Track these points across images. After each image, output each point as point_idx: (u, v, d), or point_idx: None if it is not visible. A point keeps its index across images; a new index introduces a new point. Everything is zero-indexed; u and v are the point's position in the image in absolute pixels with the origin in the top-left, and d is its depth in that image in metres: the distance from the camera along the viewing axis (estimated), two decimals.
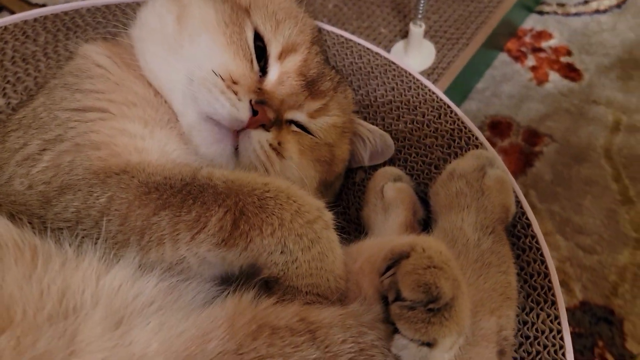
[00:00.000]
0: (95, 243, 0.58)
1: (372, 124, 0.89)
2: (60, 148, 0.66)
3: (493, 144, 1.18)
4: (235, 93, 0.68)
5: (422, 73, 1.10)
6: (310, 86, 0.75)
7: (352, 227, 0.86)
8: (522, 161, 1.15)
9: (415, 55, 1.09)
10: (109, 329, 0.52)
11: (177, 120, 0.72)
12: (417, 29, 1.04)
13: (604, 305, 0.96)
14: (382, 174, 0.81)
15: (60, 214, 0.61)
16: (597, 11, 1.42)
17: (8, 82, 0.95)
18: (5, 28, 0.97)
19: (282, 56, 0.73)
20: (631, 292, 0.97)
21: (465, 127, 0.82)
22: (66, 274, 0.54)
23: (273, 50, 0.72)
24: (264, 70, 0.73)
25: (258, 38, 0.73)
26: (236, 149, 0.70)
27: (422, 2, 1.00)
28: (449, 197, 0.72)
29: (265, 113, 0.68)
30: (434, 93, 0.86)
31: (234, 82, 0.69)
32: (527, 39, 1.36)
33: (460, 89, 1.16)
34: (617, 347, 0.91)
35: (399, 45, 1.13)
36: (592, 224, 1.06)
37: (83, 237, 0.59)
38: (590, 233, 1.04)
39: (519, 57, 1.33)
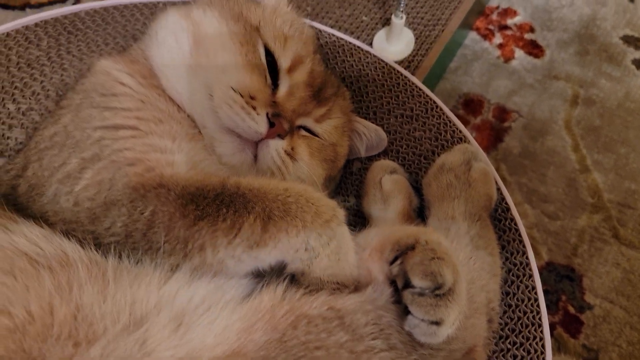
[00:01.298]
0: (148, 254, 0.67)
1: (365, 118, 0.98)
2: (99, 166, 0.74)
3: (467, 122, 1.30)
4: (254, 108, 0.76)
5: (404, 60, 1.19)
6: (317, 94, 0.84)
7: (351, 212, 0.97)
8: (493, 137, 1.28)
9: (396, 44, 1.17)
10: (173, 330, 0.62)
11: (200, 133, 0.80)
12: (398, 21, 1.12)
13: (566, 264, 1.11)
14: (379, 167, 0.91)
15: (110, 228, 0.69)
16: None
17: (16, 87, 0.99)
18: (8, 34, 1.00)
19: (290, 69, 0.81)
20: (588, 252, 1.13)
21: (450, 122, 0.92)
22: (133, 287, 0.63)
23: (283, 65, 0.80)
24: (275, 83, 0.81)
25: (268, 52, 0.80)
26: (255, 156, 0.79)
27: None
28: (441, 189, 0.83)
29: (281, 124, 0.77)
30: (420, 89, 0.96)
31: (252, 98, 0.77)
32: (494, 17, 1.46)
33: (436, 71, 1.26)
34: (577, 300, 1.07)
35: (381, 34, 1.20)
36: (555, 193, 1.20)
37: (135, 249, 0.68)
38: (554, 201, 1.19)
39: (487, 35, 1.43)
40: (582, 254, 1.13)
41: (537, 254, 1.12)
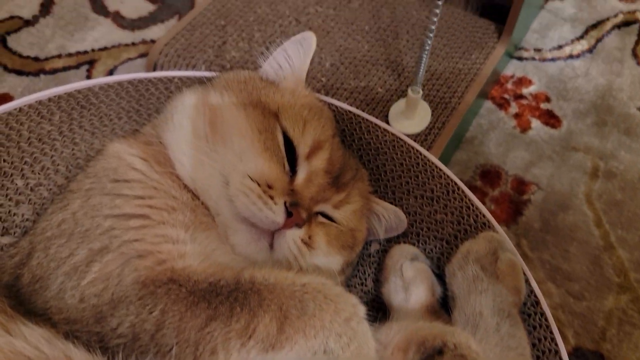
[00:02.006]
0: (157, 358, 0.63)
1: (384, 197, 0.95)
2: (107, 258, 0.70)
3: (485, 194, 1.26)
4: (272, 197, 0.73)
5: (421, 134, 1.17)
6: (336, 180, 0.81)
7: (369, 297, 0.93)
8: (512, 210, 1.24)
9: (413, 117, 1.16)
10: None
11: (213, 221, 0.77)
12: (415, 95, 1.11)
13: (595, 350, 1.05)
14: (399, 253, 0.87)
15: (116, 329, 0.65)
16: (571, 56, 1.51)
17: (25, 162, 0.97)
18: (20, 109, 0.99)
19: (309, 155, 0.78)
20: (617, 337, 1.07)
21: (473, 205, 0.89)
22: None
23: (301, 151, 0.78)
24: (293, 169, 0.78)
25: (287, 138, 0.78)
26: (271, 245, 0.76)
27: (421, 70, 1.07)
28: (467, 281, 0.79)
29: (299, 214, 0.74)
30: (441, 170, 0.93)
31: (269, 186, 0.74)
32: (509, 86, 1.45)
33: (453, 142, 1.24)
34: None
35: (397, 106, 1.19)
36: (579, 270, 1.15)
37: (144, 353, 0.63)
38: (578, 279, 1.14)
39: (502, 105, 1.41)
40: (611, 338, 1.07)
41: (563, 337, 1.06)
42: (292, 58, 0.88)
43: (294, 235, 0.75)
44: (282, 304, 0.66)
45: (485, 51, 1.33)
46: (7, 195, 0.94)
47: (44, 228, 0.77)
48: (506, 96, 1.43)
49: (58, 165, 0.99)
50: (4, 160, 0.96)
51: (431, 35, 1.02)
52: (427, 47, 1.05)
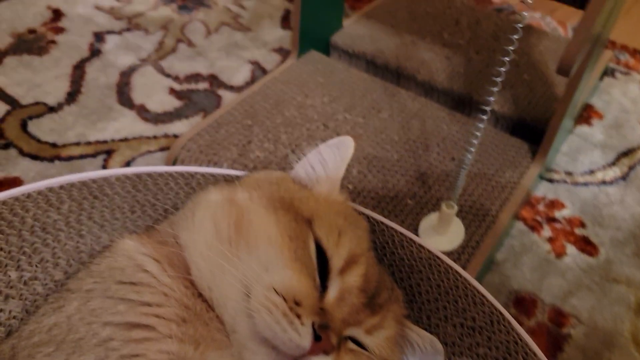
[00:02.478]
0: None
1: (417, 322, 0.84)
2: None
3: (520, 323, 1.14)
4: (298, 316, 0.63)
5: (453, 252, 1.08)
6: (370, 301, 0.71)
7: None
8: (551, 344, 1.11)
9: (445, 234, 1.08)
10: None
11: (228, 339, 0.66)
12: (449, 211, 1.03)
13: None
14: None
15: None
16: (604, 182, 1.46)
17: (24, 253, 0.87)
18: (29, 195, 0.92)
19: (343, 270, 0.69)
20: None
21: (522, 340, 0.78)
22: None
23: (335, 265, 0.69)
24: (323, 284, 0.68)
25: (319, 249, 0.69)
26: None
27: (458, 185, 1.00)
28: None
29: (329, 339, 0.63)
30: (483, 296, 0.83)
31: (297, 303, 0.64)
32: (541, 208, 1.38)
33: (485, 265, 1.14)
34: None
35: (429, 220, 1.11)
36: None
37: None
38: None
39: (535, 227, 1.33)
40: None
41: None
42: (327, 162, 0.82)
43: None
44: None
45: (519, 170, 1.28)
46: None
47: (31, 331, 0.67)
48: (538, 218, 1.35)
49: (59, 258, 0.90)
50: (1, 249, 0.87)
51: (470, 154, 0.97)
52: (466, 166, 1.00)
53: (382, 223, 0.93)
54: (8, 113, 1.51)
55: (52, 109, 1.53)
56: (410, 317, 0.84)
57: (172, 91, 1.64)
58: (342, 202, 0.79)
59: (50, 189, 0.94)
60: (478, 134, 0.98)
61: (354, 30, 1.67)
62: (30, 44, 1.76)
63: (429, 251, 0.89)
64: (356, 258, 0.71)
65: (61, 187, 0.95)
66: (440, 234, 1.08)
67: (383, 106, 1.40)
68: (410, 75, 1.52)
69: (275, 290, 0.64)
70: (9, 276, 0.86)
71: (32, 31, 1.81)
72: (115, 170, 0.98)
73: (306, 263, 0.67)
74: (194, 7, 2.02)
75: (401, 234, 0.91)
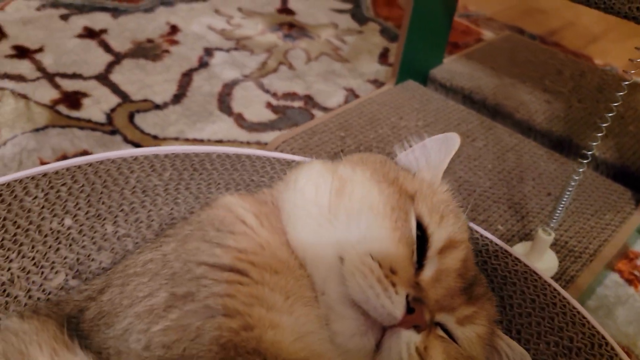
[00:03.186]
0: None
1: (507, 335, 0.79)
2: (189, 307, 0.58)
3: None
4: (393, 285, 0.60)
5: None
6: (467, 290, 0.67)
7: None
8: None
9: (538, 263, 1.02)
10: None
11: (316, 300, 0.64)
12: (546, 237, 0.98)
13: None
14: None
15: None
16: None
17: (122, 210, 0.91)
18: (136, 158, 0.97)
19: (442, 251, 0.67)
20: None
21: None
22: None
23: (435, 243, 0.66)
24: (420, 262, 0.66)
25: (419, 227, 0.67)
26: (377, 345, 0.61)
27: (559, 210, 0.95)
28: None
29: (422, 313, 0.60)
30: (584, 317, 0.77)
31: (392, 271, 0.62)
32: (639, 263, 1.28)
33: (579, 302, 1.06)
34: None
35: (520, 248, 1.06)
36: None
37: None
38: None
39: (631, 281, 1.24)
40: None
41: None
42: (430, 154, 0.81)
43: (409, 339, 0.60)
44: None
45: (620, 215, 1.20)
46: (92, 238, 0.87)
47: (127, 265, 0.68)
48: (636, 273, 1.25)
49: (152, 220, 0.93)
50: (103, 203, 0.91)
51: (570, 189, 0.93)
52: (566, 197, 0.95)
53: (476, 231, 0.89)
54: (119, 105, 1.62)
55: (157, 107, 1.63)
56: (500, 328, 0.79)
57: (269, 105, 1.70)
58: (445, 192, 0.77)
59: (156, 156, 0.99)
60: (580, 169, 0.94)
61: (453, 67, 1.68)
62: (147, 51, 1.90)
63: (526, 265, 0.84)
64: (456, 243, 0.68)
65: (166, 155, 0.99)
66: (533, 262, 1.02)
67: (478, 136, 1.38)
68: (507, 113, 1.50)
69: (371, 256, 0.62)
70: (105, 229, 0.89)
71: (150, 41, 1.97)
72: (217, 148, 1.02)
73: (405, 235, 0.65)
74: (298, 37, 2.12)
75: (496, 244, 0.87)
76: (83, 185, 0.92)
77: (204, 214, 0.73)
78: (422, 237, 0.67)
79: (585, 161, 0.94)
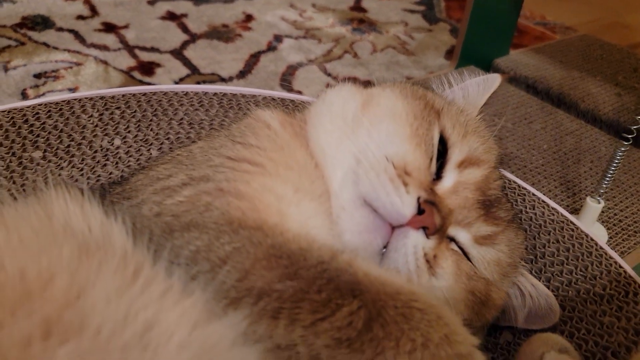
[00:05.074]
0: (207, 288, 0.49)
1: None
2: (203, 187, 0.61)
3: None
4: (405, 185, 0.60)
5: None
6: (486, 207, 0.65)
7: None
8: None
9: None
10: None
11: (328, 200, 0.64)
12: (595, 205, 0.92)
13: None
14: (543, 340, 0.64)
15: (180, 247, 0.53)
16: None
17: (168, 138, 0.96)
18: (187, 93, 1.02)
19: (462, 165, 0.65)
20: None
21: None
22: (162, 306, 0.44)
23: (455, 156, 0.65)
24: (439, 174, 0.65)
25: (441, 141, 0.66)
26: (384, 247, 0.60)
27: (608, 176, 0.90)
28: None
29: (432, 215, 0.59)
30: (621, 267, 0.71)
31: (406, 174, 0.61)
32: None
33: None
34: None
35: None
36: None
37: (193, 279, 0.50)
38: None
39: None
40: None
41: None
42: (469, 90, 0.80)
43: (417, 241, 0.59)
44: (380, 299, 0.50)
45: None
46: (137, 160, 0.92)
47: (157, 158, 0.72)
48: None
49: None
50: (151, 130, 0.97)
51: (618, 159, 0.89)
52: (614, 166, 0.90)
53: (513, 182, 0.86)
54: (187, 76, 1.71)
55: (223, 79, 1.70)
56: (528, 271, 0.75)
57: (329, 86, 1.73)
58: (477, 120, 0.75)
59: (205, 93, 1.04)
60: (626, 142, 0.89)
61: (519, 58, 1.64)
62: (221, 34, 2.00)
63: (562, 215, 0.80)
64: (478, 162, 0.67)
65: (215, 94, 1.04)
66: None
67: (536, 119, 1.33)
68: (572, 102, 1.44)
69: (386, 157, 0.62)
70: (150, 153, 0.94)
71: (225, 25, 2.07)
72: (264, 91, 1.06)
73: (425, 143, 0.64)
74: (367, 31, 2.15)
75: (533, 194, 0.83)
76: (135, 112, 0.98)
77: (235, 124, 0.76)
78: (444, 151, 0.66)
79: (630, 136, 0.90)
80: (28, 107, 0.91)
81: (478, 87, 0.79)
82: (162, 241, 0.54)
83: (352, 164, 0.63)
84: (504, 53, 1.66)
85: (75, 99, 0.96)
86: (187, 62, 1.78)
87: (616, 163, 0.91)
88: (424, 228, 0.59)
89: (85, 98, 0.97)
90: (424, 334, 0.48)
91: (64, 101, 0.95)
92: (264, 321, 0.48)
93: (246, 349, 0.45)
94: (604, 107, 1.42)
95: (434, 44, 2.10)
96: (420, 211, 0.59)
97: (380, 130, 0.65)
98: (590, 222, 0.95)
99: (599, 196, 0.93)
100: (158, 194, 0.61)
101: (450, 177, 0.64)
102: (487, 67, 1.63)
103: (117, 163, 0.91)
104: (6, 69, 1.62)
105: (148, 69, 1.71)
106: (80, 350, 0.37)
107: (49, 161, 0.86)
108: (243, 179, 0.62)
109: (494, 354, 0.71)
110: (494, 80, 0.79)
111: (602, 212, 1.05)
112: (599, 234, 0.98)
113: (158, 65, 1.74)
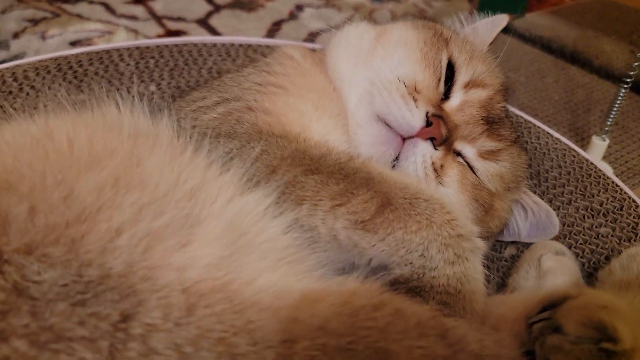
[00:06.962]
0: (243, 167, 0.57)
1: None
2: (234, 106, 0.69)
3: None
4: (415, 100, 0.66)
5: None
6: (490, 124, 0.71)
7: None
8: None
9: None
10: (223, 247, 0.48)
11: (345, 118, 0.72)
12: (600, 142, 0.97)
13: None
14: (543, 245, 0.71)
15: (214, 148, 0.61)
16: None
17: (198, 86, 1.04)
18: (215, 45, 1.10)
19: (468, 86, 0.71)
20: None
21: None
22: (206, 176, 0.52)
23: (461, 77, 0.71)
24: (447, 95, 0.71)
25: (449, 67, 0.72)
26: (396, 158, 0.67)
27: (611, 115, 0.95)
28: (629, 276, 0.60)
29: (439, 127, 0.65)
30: (617, 185, 0.77)
31: (416, 91, 0.67)
32: None
33: None
34: None
35: None
36: None
37: (233, 157, 0.58)
38: None
39: None
40: None
41: None
42: (478, 29, 0.85)
43: (425, 151, 0.66)
44: (390, 191, 0.57)
45: None
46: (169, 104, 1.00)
47: (193, 89, 0.80)
48: None
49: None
50: (183, 77, 1.05)
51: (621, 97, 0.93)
52: (617, 105, 0.95)
53: (520, 116, 0.92)
54: None
55: None
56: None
57: None
58: (485, 52, 0.80)
59: (232, 45, 1.11)
60: (628, 80, 0.93)
61: (535, 20, 1.68)
62: (244, 4, 2.07)
63: (565, 143, 0.85)
64: (484, 84, 0.73)
65: (241, 45, 1.11)
66: None
67: (549, 74, 1.38)
68: (586, 59, 1.48)
69: (399, 78, 0.69)
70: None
71: None
72: (288, 42, 1.13)
73: (434, 65, 0.70)
74: (386, 1, 2.20)
75: (538, 126, 0.89)
76: (168, 61, 1.06)
77: (262, 59, 0.83)
78: (451, 74, 0.72)
79: (631, 72, 0.94)
80: (72, 55, 1.00)
81: (487, 25, 0.85)
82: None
83: (366, 86, 0.70)
84: (519, 16, 1.70)
85: (114, 49, 1.04)
86: (211, 30, 1.86)
87: (618, 103, 0.96)
88: (432, 139, 0.65)
89: (123, 48, 1.05)
90: (428, 218, 0.55)
91: (103, 50, 1.03)
92: (289, 207, 0.56)
93: (275, 221, 0.53)
94: (617, 62, 1.45)
95: (453, 10, 2.14)
96: (428, 124, 0.65)
97: (392, 55, 0.72)
98: (596, 159, 1.00)
99: (604, 134, 0.98)
100: (195, 111, 0.69)
101: (456, 97, 0.70)
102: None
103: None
104: (44, 38, 1.72)
105: (175, 36, 1.79)
106: (143, 201, 0.45)
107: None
108: (270, 99, 0.69)
109: (500, 264, 0.78)
110: (502, 19, 0.85)
111: (610, 154, 1.10)
112: (605, 170, 1.03)
113: (184, 32, 1.82)
